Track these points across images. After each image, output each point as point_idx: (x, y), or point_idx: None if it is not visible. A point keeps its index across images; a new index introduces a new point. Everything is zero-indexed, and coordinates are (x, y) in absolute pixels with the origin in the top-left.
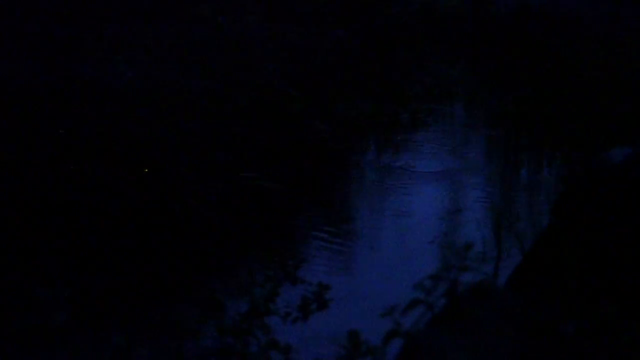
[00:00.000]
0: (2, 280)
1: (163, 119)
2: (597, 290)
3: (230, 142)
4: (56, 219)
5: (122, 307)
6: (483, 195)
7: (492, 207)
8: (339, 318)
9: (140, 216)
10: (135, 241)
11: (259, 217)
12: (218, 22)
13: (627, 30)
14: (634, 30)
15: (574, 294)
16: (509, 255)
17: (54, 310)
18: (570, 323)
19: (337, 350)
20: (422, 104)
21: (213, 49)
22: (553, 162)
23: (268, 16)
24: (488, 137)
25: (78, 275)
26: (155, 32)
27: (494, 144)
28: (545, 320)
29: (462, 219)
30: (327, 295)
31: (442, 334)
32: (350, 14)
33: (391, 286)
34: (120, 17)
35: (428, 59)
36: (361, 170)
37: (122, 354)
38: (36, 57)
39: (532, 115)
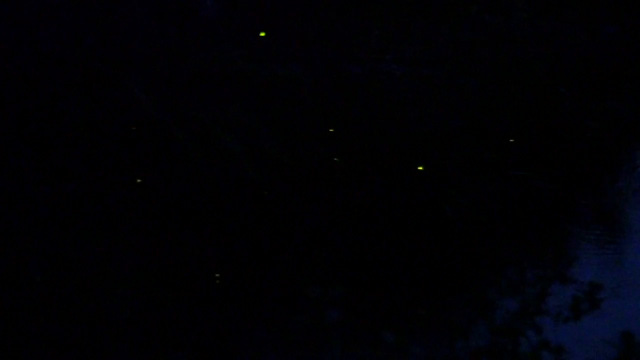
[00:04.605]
0: (276, 279)
1: (432, 117)
2: None
3: (499, 140)
4: (326, 216)
5: (394, 305)
6: None
7: None
8: (611, 318)
9: (411, 214)
10: (407, 239)
11: (529, 216)
12: (486, 20)
13: None
14: None
15: None
16: None
17: (327, 308)
18: None
19: (610, 351)
20: None
21: (481, 48)
22: None
23: (537, 13)
24: None
25: (351, 273)
26: (423, 31)
27: None
28: None
29: None
30: (599, 295)
31: None
32: (624, 10)
33: None
34: (389, 17)
35: None
36: (633, 168)
37: (394, 352)
38: (309, 57)
39: None
